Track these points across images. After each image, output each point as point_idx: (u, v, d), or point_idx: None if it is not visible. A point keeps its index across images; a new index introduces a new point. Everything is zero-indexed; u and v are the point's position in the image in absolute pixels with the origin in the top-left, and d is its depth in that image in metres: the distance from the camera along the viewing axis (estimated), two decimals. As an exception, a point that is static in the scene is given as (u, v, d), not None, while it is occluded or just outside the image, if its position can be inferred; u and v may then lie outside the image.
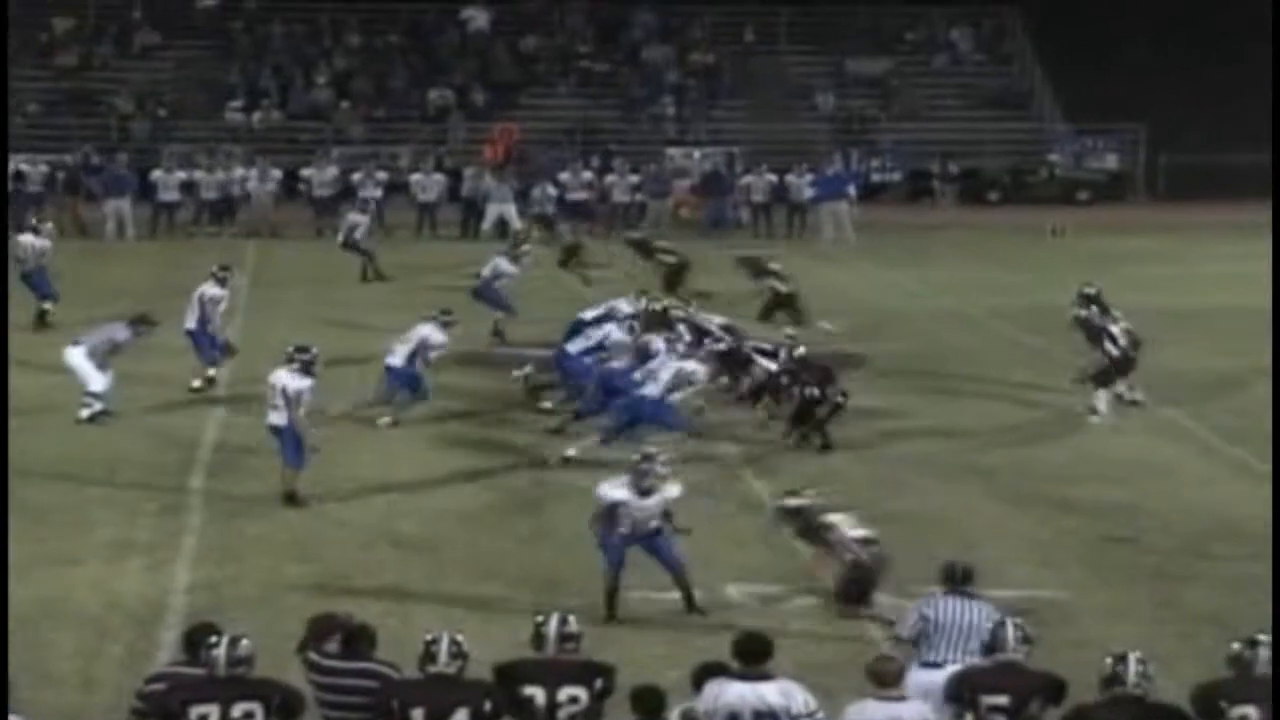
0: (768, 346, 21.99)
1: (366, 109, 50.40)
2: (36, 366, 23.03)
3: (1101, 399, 22.07)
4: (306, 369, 18.02)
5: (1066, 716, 10.11)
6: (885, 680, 10.12)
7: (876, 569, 14.62)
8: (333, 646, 10.66)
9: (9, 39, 45.77)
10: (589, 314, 22.83)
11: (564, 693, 10.18)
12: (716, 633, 13.14)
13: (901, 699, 10.11)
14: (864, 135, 51.19)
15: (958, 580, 11.76)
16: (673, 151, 48.07)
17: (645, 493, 14.59)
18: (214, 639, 10.09)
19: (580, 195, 42.54)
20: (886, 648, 12.15)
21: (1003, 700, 10.23)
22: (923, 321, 29.55)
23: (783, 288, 27.79)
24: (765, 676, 10.22)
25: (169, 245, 38.86)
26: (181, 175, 41.58)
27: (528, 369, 22.72)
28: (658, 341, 21.19)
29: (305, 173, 42.31)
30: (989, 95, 53.00)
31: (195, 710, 9.80)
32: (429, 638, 10.15)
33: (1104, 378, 22.16)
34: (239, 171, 42.03)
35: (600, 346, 21.80)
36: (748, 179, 43.39)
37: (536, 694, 10.16)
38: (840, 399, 20.55)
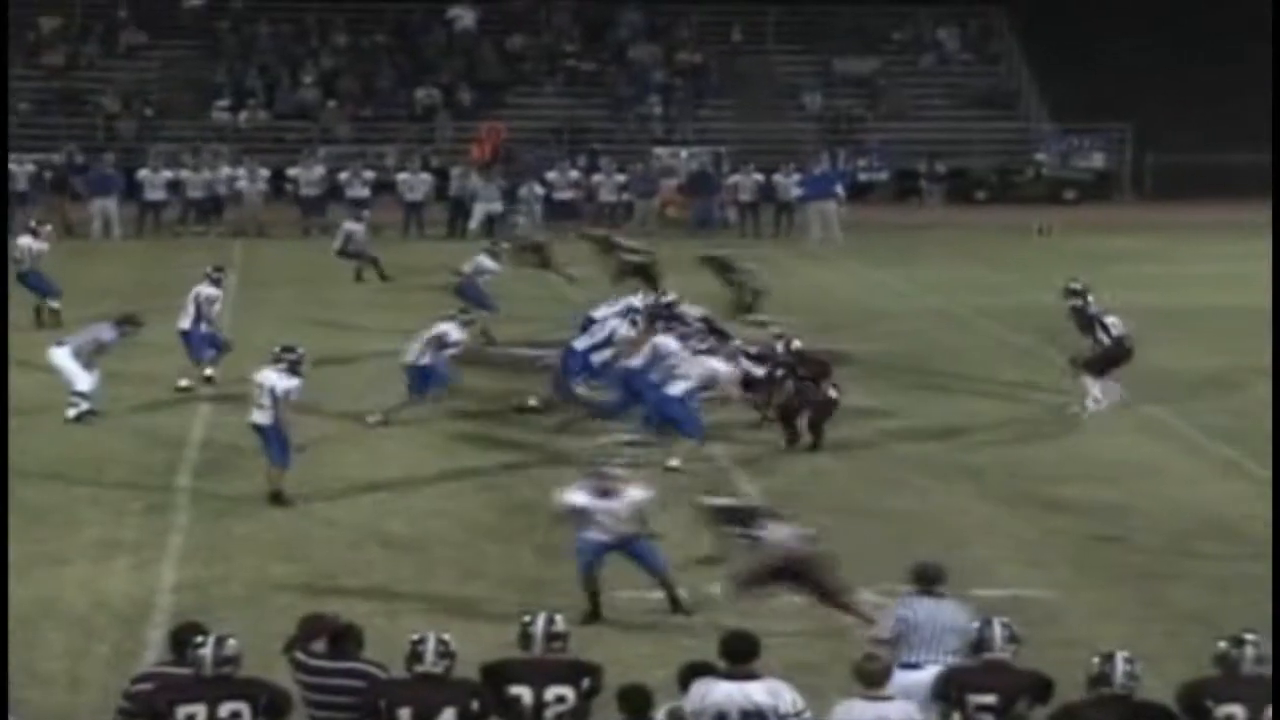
0: (753, 349, 21.86)
1: (353, 108, 50.32)
2: (34, 366, 22.95)
3: (1095, 386, 22.07)
4: (293, 368, 18.00)
5: (1054, 715, 10.12)
6: (872, 680, 10.12)
7: (810, 561, 14.10)
8: (319, 646, 10.65)
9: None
10: (599, 311, 22.58)
11: (551, 692, 10.19)
12: (703, 632, 13.14)
13: (888, 699, 10.11)
14: (851, 135, 51.16)
15: (929, 580, 11.75)
16: (660, 151, 47.94)
17: (604, 494, 14.55)
18: (200, 638, 10.08)
19: (567, 194, 42.58)
20: (868, 648, 12.13)
21: (990, 699, 10.23)
22: (910, 321, 29.54)
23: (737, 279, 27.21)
24: (752, 676, 10.20)
25: (155, 244, 38.82)
26: (168, 174, 41.53)
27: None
28: (671, 341, 20.90)
29: (292, 172, 42.28)
30: (976, 95, 53.00)
31: (182, 710, 9.79)
32: (415, 637, 10.15)
33: (1097, 366, 22.17)
34: (225, 171, 41.96)
35: (607, 342, 21.74)
36: (735, 178, 43.30)
37: (523, 693, 10.16)
38: (833, 393, 20.46)
